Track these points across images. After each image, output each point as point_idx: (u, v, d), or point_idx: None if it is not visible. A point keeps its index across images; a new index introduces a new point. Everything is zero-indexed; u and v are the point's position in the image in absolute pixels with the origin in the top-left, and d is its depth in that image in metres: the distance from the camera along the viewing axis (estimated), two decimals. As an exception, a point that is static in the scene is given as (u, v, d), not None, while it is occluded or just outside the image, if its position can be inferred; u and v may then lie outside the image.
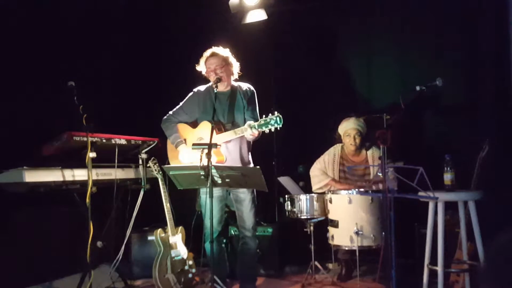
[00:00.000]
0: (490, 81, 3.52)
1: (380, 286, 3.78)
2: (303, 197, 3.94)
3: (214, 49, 3.54)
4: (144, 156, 3.77)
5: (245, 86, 3.59)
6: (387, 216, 2.71)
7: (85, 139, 3.27)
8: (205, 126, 3.45)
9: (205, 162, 2.86)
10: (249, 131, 3.16)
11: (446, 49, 4.24)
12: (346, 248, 3.74)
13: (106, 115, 4.21)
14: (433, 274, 3.09)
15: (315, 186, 4.15)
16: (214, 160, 3.35)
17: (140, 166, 3.79)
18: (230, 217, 4.12)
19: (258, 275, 3.98)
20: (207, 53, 3.54)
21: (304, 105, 4.94)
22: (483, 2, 3.60)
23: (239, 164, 3.46)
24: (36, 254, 3.77)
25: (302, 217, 3.94)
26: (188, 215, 3.93)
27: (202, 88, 3.63)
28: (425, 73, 4.20)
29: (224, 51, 3.53)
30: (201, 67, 3.56)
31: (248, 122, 3.20)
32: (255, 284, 3.71)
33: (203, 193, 3.39)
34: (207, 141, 2.95)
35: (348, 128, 4.08)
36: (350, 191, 3.72)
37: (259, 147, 3.70)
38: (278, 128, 3.09)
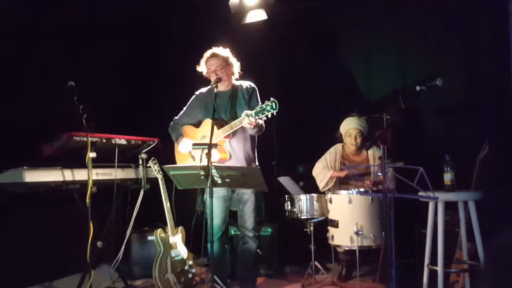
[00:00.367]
0: (490, 81, 3.51)
1: (380, 286, 3.77)
2: (303, 197, 3.94)
3: (214, 49, 3.55)
4: (144, 156, 3.77)
5: (246, 83, 3.61)
6: (387, 216, 2.71)
7: (85, 139, 3.27)
8: (208, 124, 3.48)
9: (205, 162, 2.86)
10: (246, 119, 3.16)
11: (446, 49, 4.24)
12: (346, 248, 3.74)
13: (106, 115, 4.21)
14: (433, 274, 3.08)
15: (321, 183, 4.13)
16: (217, 157, 3.37)
17: (140, 166, 3.79)
18: (230, 217, 4.12)
19: (258, 275, 3.98)
20: (207, 53, 3.54)
21: (304, 105, 4.95)
22: (483, 2, 3.60)
23: (243, 161, 3.48)
24: (36, 254, 3.77)
25: (302, 217, 3.94)
26: (188, 215, 3.92)
27: (204, 90, 3.66)
28: (425, 73, 4.20)
29: (224, 51, 3.53)
30: (201, 68, 3.57)
31: (245, 111, 3.20)
32: (255, 284, 3.71)
33: (208, 193, 3.41)
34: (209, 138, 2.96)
35: (349, 127, 4.08)
36: (350, 191, 3.73)
37: (259, 147, 3.70)
38: (275, 114, 3.08)
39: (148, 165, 3.77)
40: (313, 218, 3.91)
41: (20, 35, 3.87)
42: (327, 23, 4.94)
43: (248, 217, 3.53)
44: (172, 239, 3.68)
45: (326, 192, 3.96)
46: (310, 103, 4.92)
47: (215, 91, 3.33)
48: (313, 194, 3.96)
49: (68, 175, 3.33)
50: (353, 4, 4.71)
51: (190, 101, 3.71)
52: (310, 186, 4.25)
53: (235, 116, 3.43)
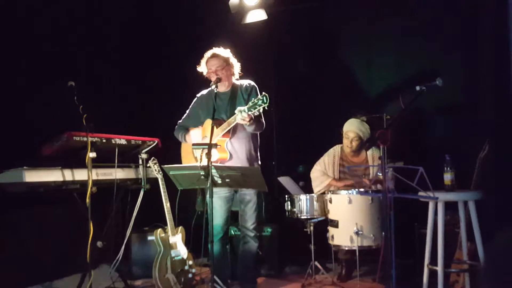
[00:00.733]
0: (490, 81, 3.51)
1: (380, 286, 3.77)
2: (303, 197, 3.93)
3: (215, 50, 3.55)
4: (144, 156, 3.77)
5: (245, 82, 3.62)
6: (387, 216, 2.71)
7: (85, 139, 3.27)
8: (208, 125, 3.50)
9: (205, 162, 2.86)
10: (239, 115, 3.17)
11: (446, 49, 4.25)
12: (346, 248, 3.74)
13: (106, 115, 4.21)
14: (433, 274, 3.08)
15: (316, 188, 4.14)
16: (217, 157, 3.37)
17: (140, 166, 3.79)
18: (230, 217, 4.12)
19: (258, 275, 3.98)
20: (208, 54, 3.55)
21: (304, 105, 4.95)
22: (483, 2, 3.60)
23: (245, 161, 3.49)
24: (36, 254, 3.77)
25: (302, 217, 3.94)
26: (188, 215, 3.93)
27: (204, 92, 3.67)
28: (425, 73, 4.20)
29: (224, 52, 3.54)
30: (202, 68, 3.58)
31: (238, 108, 3.20)
32: (255, 285, 3.71)
33: (208, 193, 3.42)
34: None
35: (348, 130, 4.07)
36: (350, 191, 3.73)
37: (259, 147, 3.70)
38: (266, 108, 3.08)
39: (148, 165, 3.77)
40: (313, 218, 3.90)
41: (20, 35, 3.87)
42: (327, 23, 4.93)
43: (249, 217, 3.55)
44: (172, 239, 3.68)
45: (326, 192, 3.96)
46: (310, 103, 4.92)
47: (215, 91, 3.33)
48: (313, 194, 3.96)
49: (68, 175, 3.32)
50: (353, 4, 4.71)
51: (192, 104, 3.74)
52: (310, 186, 4.25)
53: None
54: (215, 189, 3.08)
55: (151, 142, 3.83)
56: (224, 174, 2.94)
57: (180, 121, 3.79)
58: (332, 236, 3.75)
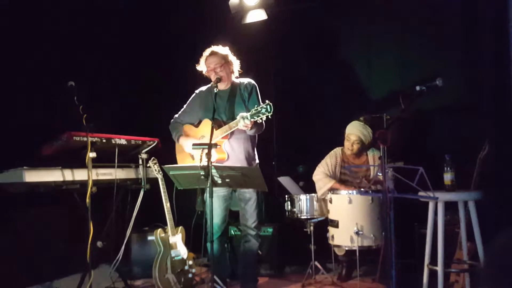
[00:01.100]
0: (490, 81, 3.51)
1: (380, 286, 3.78)
2: (303, 197, 3.93)
3: (214, 48, 3.55)
4: (144, 156, 3.77)
5: (245, 81, 3.60)
6: (387, 216, 2.71)
7: (85, 139, 3.27)
8: (206, 124, 3.50)
9: (205, 162, 2.86)
10: (242, 122, 3.17)
11: (446, 49, 4.24)
12: (346, 248, 3.74)
13: (106, 115, 4.21)
14: (433, 274, 3.08)
15: (320, 191, 4.08)
16: (215, 158, 3.36)
17: (140, 166, 3.79)
18: (230, 216, 4.12)
19: (259, 275, 3.98)
20: (207, 52, 3.55)
21: (304, 105, 4.95)
22: (483, 2, 3.60)
23: (243, 161, 3.48)
24: (36, 254, 3.77)
25: (302, 217, 3.94)
26: (188, 215, 3.93)
27: (203, 88, 3.66)
28: (425, 73, 4.20)
29: (223, 50, 3.54)
30: (201, 67, 3.57)
31: (241, 114, 3.20)
32: (256, 284, 3.71)
33: (208, 192, 3.42)
34: (208, 138, 2.96)
35: (350, 132, 4.04)
36: (350, 191, 3.72)
37: (259, 147, 3.70)
38: (269, 117, 3.08)
39: (148, 165, 3.77)
40: (313, 218, 3.91)
41: (20, 35, 3.87)
42: (327, 23, 4.93)
43: (250, 215, 3.54)
44: (172, 239, 3.68)
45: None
46: (310, 103, 4.92)
47: (216, 91, 3.33)
48: (313, 194, 3.96)
49: (68, 175, 3.32)
50: (353, 4, 4.71)
51: (190, 99, 3.71)
52: (310, 186, 4.24)
53: (233, 115, 3.42)
54: (213, 188, 3.07)
55: (151, 142, 3.83)
56: (224, 174, 2.94)
57: (177, 116, 3.75)
58: (332, 236, 3.75)
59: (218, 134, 3.36)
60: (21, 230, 3.75)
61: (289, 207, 3.99)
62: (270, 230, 4.29)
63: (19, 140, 3.60)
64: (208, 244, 2.93)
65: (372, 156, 4.09)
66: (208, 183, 2.86)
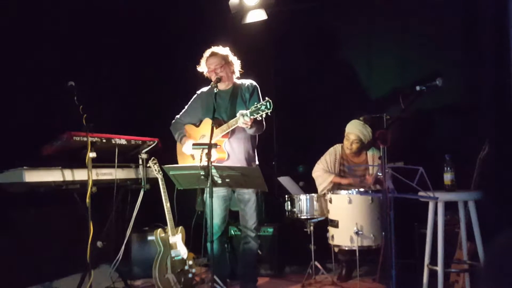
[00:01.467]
0: (490, 81, 3.51)
1: (380, 286, 3.77)
2: (303, 197, 3.93)
3: (214, 48, 3.56)
4: (144, 156, 3.77)
5: (247, 82, 3.61)
6: (387, 216, 2.71)
7: (85, 139, 3.27)
8: (207, 123, 3.50)
9: (205, 162, 2.86)
10: (241, 119, 3.16)
11: (446, 49, 4.24)
12: (346, 248, 3.74)
13: (106, 115, 4.21)
14: (433, 274, 3.08)
15: (320, 186, 4.12)
16: (215, 157, 3.37)
17: (140, 166, 3.79)
18: (230, 216, 4.12)
19: (259, 275, 3.98)
20: (207, 53, 3.56)
21: (303, 105, 4.95)
22: (483, 2, 3.60)
23: (243, 161, 3.48)
24: (36, 254, 3.77)
25: (302, 217, 3.94)
26: (188, 215, 3.93)
27: (205, 89, 3.66)
28: (425, 73, 4.20)
29: (223, 50, 3.54)
30: (202, 68, 3.58)
31: (240, 111, 3.20)
32: (256, 284, 3.71)
33: (208, 192, 3.42)
34: (208, 138, 2.97)
35: (350, 131, 4.06)
36: (350, 191, 3.72)
37: (259, 147, 3.70)
38: (269, 114, 3.08)
39: (148, 165, 3.77)
40: (313, 218, 3.91)
41: (20, 35, 3.87)
42: (327, 23, 4.94)
43: (250, 216, 3.54)
44: (172, 239, 3.68)
45: (326, 192, 3.96)
46: (310, 103, 4.92)
47: (216, 91, 3.33)
48: (313, 194, 3.96)
49: (68, 175, 3.32)
50: (353, 4, 4.71)
51: (191, 100, 3.72)
52: (310, 186, 4.24)
53: (234, 115, 3.43)
54: (213, 188, 3.07)
55: (151, 142, 3.83)
56: (224, 174, 2.94)
57: (178, 116, 3.76)
58: (332, 236, 3.75)
59: (218, 133, 3.36)
60: (21, 230, 3.75)
61: (289, 207, 3.99)
62: (270, 230, 4.29)
63: (19, 140, 3.60)
64: (208, 244, 2.93)
65: (372, 155, 4.09)
66: (208, 183, 2.86)
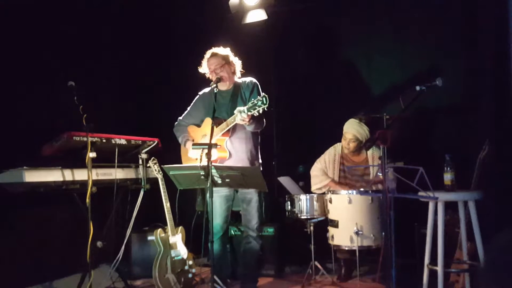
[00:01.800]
0: (490, 81, 3.51)
1: (380, 286, 3.78)
2: (303, 197, 3.93)
3: (214, 49, 3.56)
4: (144, 156, 3.77)
5: (247, 80, 3.61)
6: (387, 216, 2.71)
7: (85, 139, 3.27)
8: (208, 123, 3.51)
9: (205, 162, 2.86)
10: (239, 116, 3.16)
11: (446, 49, 4.25)
12: (346, 248, 3.74)
13: (106, 115, 4.21)
14: (433, 274, 3.08)
15: (314, 186, 4.15)
16: (216, 156, 3.37)
17: (140, 166, 3.79)
18: (230, 217, 4.12)
19: (259, 276, 3.98)
20: (207, 54, 3.57)
21: (303, 104, 4.95)
22: (483, 2, 3.60)
23: (246, 161, 3.49)
24: (36, 254, 3.77)
25: (302, 217, 3.94)
26: (188, 215, 3.93)
27: (207, 89, 3.67)
28: (424, 72, 4.21)
29: (223, 50, 3.55)
30: (203, 69, 3.58)
31: (238, 108, 3.20)
32: (256, 285, 3.71)
33: (208, 192, 3.42)
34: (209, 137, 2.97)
35: (347, 130, 4.06)
36: (350, 191, 3.73)
37: (259, 147, 3.70)
38: (266, 109, 3.07)
39: (148, 165, 3.77)
40: (313, 218, 3.91)
41: (20, 35, 3.87)
42: (327, 23, 4.94)
43: (252, 216, 3.54)
44: (172, 239, 3.68)
45: (326, 192, 3.96)
46: (310, 103, 4.92)
47: (216, 90, 3.33)
48: (313, 194, 3.96)
49: (68, 175, 3.32)
50: (353, 4, 4.71)
51: (193, 101, 3.73)
52: (310, 186, 4.24)
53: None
54: (215, 188, 3.08)
55: (151, 142, 3.83)
56: (224, 174, 2.94)
57: (181, 118, 3.77)
58: (332, 236, 3.75)
59: (218, 132, 3.37)
60: (21, 230, 3.75)
61: (289, 207, 3.99)
62: (271, 230, 4.29)
63: (19, 140, 3.60)
64: (209, 244, 2.93)
65: (372, 155, 4.09)
66: (208, 183, 2.86)
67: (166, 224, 3.69)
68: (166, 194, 3.71)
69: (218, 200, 3.53)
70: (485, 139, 3.26)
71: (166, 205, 3.69)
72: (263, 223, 3.86)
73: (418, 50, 4.40)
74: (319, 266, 3.93)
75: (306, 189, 4.21)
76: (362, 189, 3.85)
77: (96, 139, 3.35)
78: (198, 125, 3.69)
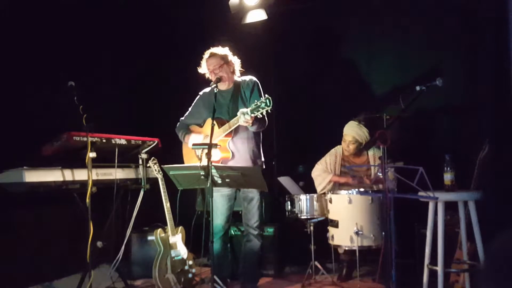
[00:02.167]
0: (490, 81, 3.51)
1: (380, 286, 3.77)
2: (303, 197, 3.93)
3: (213, 49, 3.56)
4: (144, 156, 3.77)
5: (247, 78, 3.61)
6: (387, 216, 2.71)
7: (85, 139, 3.27)
8: (209, 123, 3.48)
9: (205, 162, 2.86)
10: (242, 118, 3.17)
11: (446, 49, 4.24)
12: (346, 248, 3.74)
13: (106, 115, 4.21)
14: (433, 274, 3.08)
15: (319, 186, 4.13)
16: (219, 156, 3.38)
17: (140, 166, 3.79)
18: (231, 215, 4.12)
19: (260, 275, 3.97)
20: (206, 54, 3.57)
21: (304, 104, 4.95)
22: (483, 2, 3.60)
23: (248, 160, 3.49)
24: (36, 254, 3.77)
25: (302, 217, 3.94)
26: (188, 215, 3.93)
27: (207, 89, 3.67)
28: (425, 72, 4.20)
29: (222, 50, 3.55)
30: (203, 69, 3.58)
31: (241, 110, 3.20)
32: (256, 284, 3.71)
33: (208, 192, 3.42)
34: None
35: (346, 132, 4.07)
36: (350, 191, 3.73)
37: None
38: (269, 111, 3.08)
39: (148, 165, 3.77)
40: (313, 218, 3.90)
41: (20, 35, 3.86)
42: (327, 23, 4.94)
43: (252, 215, 3.54)
44: (172, 239, 3.68)
45: (326, 192, 3.96)
46: (310, 103, 4.92)
47: (216, 90, 3.33)
48: (313, 194, 3.96)
49: (68, 175, 3.32)
50: (353, 4, 4.70)
51: (194, 102, 3.74)
52: (310, 186, 4.24)
53: (236, 114, 3.42)
54: (216, 187, 3.08)
55: (151, 142, 3.84)
56: (224, 174, 2.95)
57: (183, 118, 3.79)
58: (332, 236, 3.75)
59: (221, 132, 3.37)
60: (21, 230, 3.75)
61: (289, 207, 3.99)
62: (271, 230, 4.29)
63: (19, 140, 3.60)
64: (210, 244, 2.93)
65: (373, 155, 4.09)
66: (208, 183, 2.86)
67: (166, 224, 3.69)
68: (166, 194, 3.71)
69: (220, 199, 3.53)
70: (485, 139, 3.26)
71: (166, 205, 3.69)
72: (263, 222, 3.87)
73: (418, 49, 4.40)
74: (319, 266, 3.93)
75: (306, 189, 4.20)
76: (362, 189, 3.85)
77: (96, 139, 3.35)
78: (200, 125, 3.69)
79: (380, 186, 3.92)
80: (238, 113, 3.20)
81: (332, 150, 4.22)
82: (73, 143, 3.27)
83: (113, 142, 3.54)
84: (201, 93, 3.72)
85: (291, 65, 4.98)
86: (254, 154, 3.54)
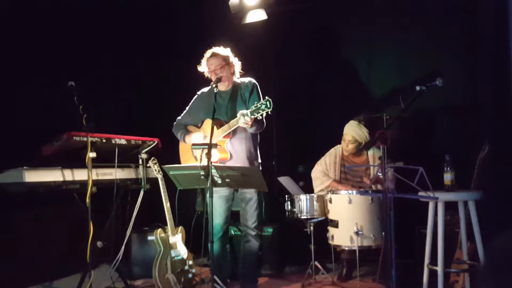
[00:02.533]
0: (490, 81, 3.51)
1: (380, 286, 3.77)
2: (303, 197, 3.93)
3: (214, 49, 3.56)
4: (144, 156, 3.77)
5: (246, 80, 3.61)
6: (387, 216, 2.71)
7: (85, 139, 3.27)
8: (208, 124, 3.50)
9: (205, 162, 2.86)
10: (242, 119, 3.17)
11: (446, 49, 4.24)
12: (346, 248, 3.74)
13: (106, 115, 4.21)
14: (433, 274, 3.08)
15: (317, 188, 4.15)
16: (217, 157, 3.38)
17: (140, 166, 3.79)
18: (230, 217, 4.12)
19: (259, 275, 3.98)
20: (208, 53, 3.57)
21: (304, 105, 4.95)
22: (483, 2, 3.59)
23: (246, 161, 3.49)
24: (36, 254, 3.77)
25: (302, 217, 3.94)
26: (188, 215, 3.93)
27: (205, 89, 3.67)
28: (425, 73, 4.20)
29: (224, 51, 3.54)
30: (203, 68, 3.58)
31: (241, 111, 3.20)
32: (256, 284, 3.71)
33: (208, 193, 3.42)
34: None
35: (346, 132, 4.07)
36: (350, 191, 3.73)
37: (259, 147, 3.70)
38: (269, 113, 3.08)
39: (148, 165, 3.77)
40: (313, 218, 3.90)
41: (20, 35, 3.86)
42: (327, 23, 4.94)
43: (250, 215, 3.55)
44: (172, 239, 3.68)
45: (326, 192, 3.96)
46: (310, 103, 4.92)
47: (215, 91, 3.33)
48: (313, 194, 3.96)
49: (68, 175, 3.32)
50: (353, 4, 4.70)
51: (192, 101, 3.73)
52: (310, 186, 4.25)
53: (235, 115, 3.43)
54: (214, 188, 3.08)
55: (151, 142, 3.84)
56: (224, 174, 2.95)
57: (179, 117, 3.77)
58: (332, 236, 3.75)
59: (220, 133, 3.37)
60: (21, 230, 3.75)
61: (289, 207, 3.99)
62: (270, 230, 4.29)
63: (19, 140, 3.59)
64: (209, 244, 2.93)
65: (372, 155, 4.09)
66: (208, 183, 2.86)
67: (166, 224, 3.69)
68: (166, 194, 3.71)
69: (218, 201, 3.53)
70: (485, 139, 3.26)
71: (166, 205, 3.69)
72: (262, 222, 3.87)
73: (418, 50, 4.40)
74: (319, 266, 3.93)
75: (306, 189, 4.21)
76: (362, 189, 3.85)
77: (96, 139, 3.35)
78: (197, 125, 3.69)
79: (379, 186, 3.92)
80: (238, 115, 3.20)
81: (332, 150, 4.22)
82: (73, 143, 3.27)
83: (113, 142, 3.54)
84: (199, 92, 3.71)
85: (291, 65, 4.98)
86: (251, 155, 3.54)
